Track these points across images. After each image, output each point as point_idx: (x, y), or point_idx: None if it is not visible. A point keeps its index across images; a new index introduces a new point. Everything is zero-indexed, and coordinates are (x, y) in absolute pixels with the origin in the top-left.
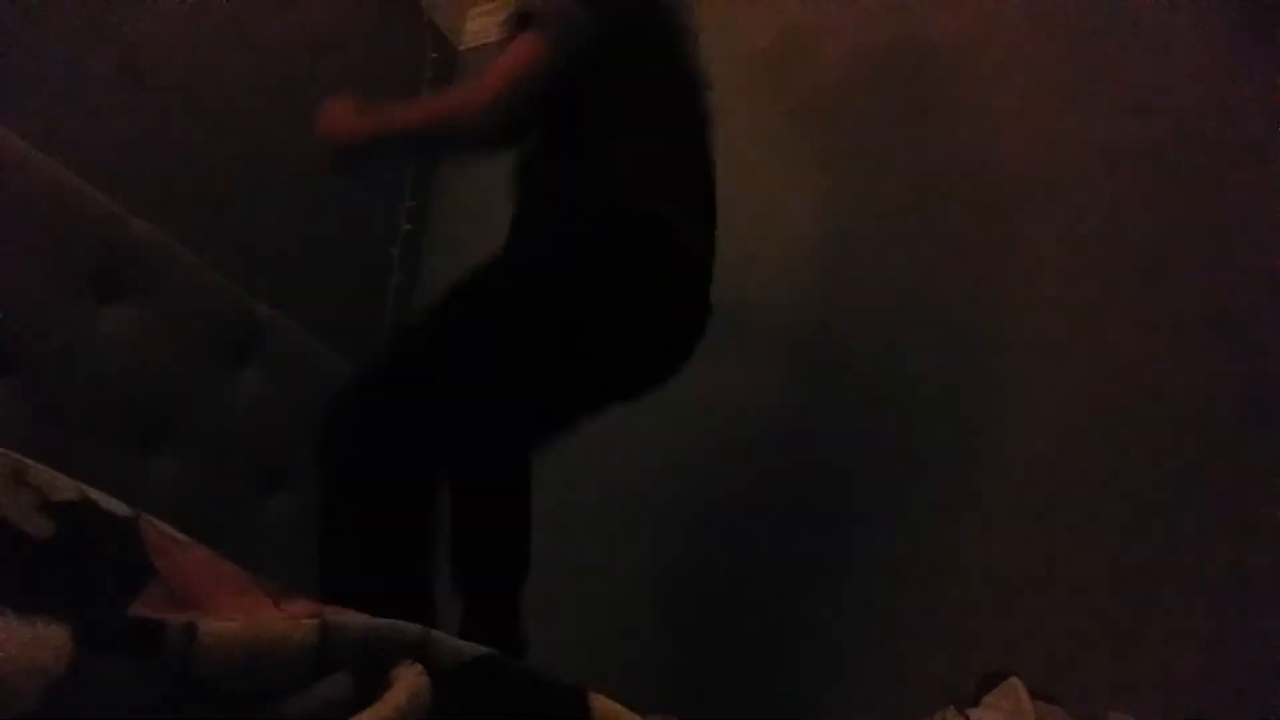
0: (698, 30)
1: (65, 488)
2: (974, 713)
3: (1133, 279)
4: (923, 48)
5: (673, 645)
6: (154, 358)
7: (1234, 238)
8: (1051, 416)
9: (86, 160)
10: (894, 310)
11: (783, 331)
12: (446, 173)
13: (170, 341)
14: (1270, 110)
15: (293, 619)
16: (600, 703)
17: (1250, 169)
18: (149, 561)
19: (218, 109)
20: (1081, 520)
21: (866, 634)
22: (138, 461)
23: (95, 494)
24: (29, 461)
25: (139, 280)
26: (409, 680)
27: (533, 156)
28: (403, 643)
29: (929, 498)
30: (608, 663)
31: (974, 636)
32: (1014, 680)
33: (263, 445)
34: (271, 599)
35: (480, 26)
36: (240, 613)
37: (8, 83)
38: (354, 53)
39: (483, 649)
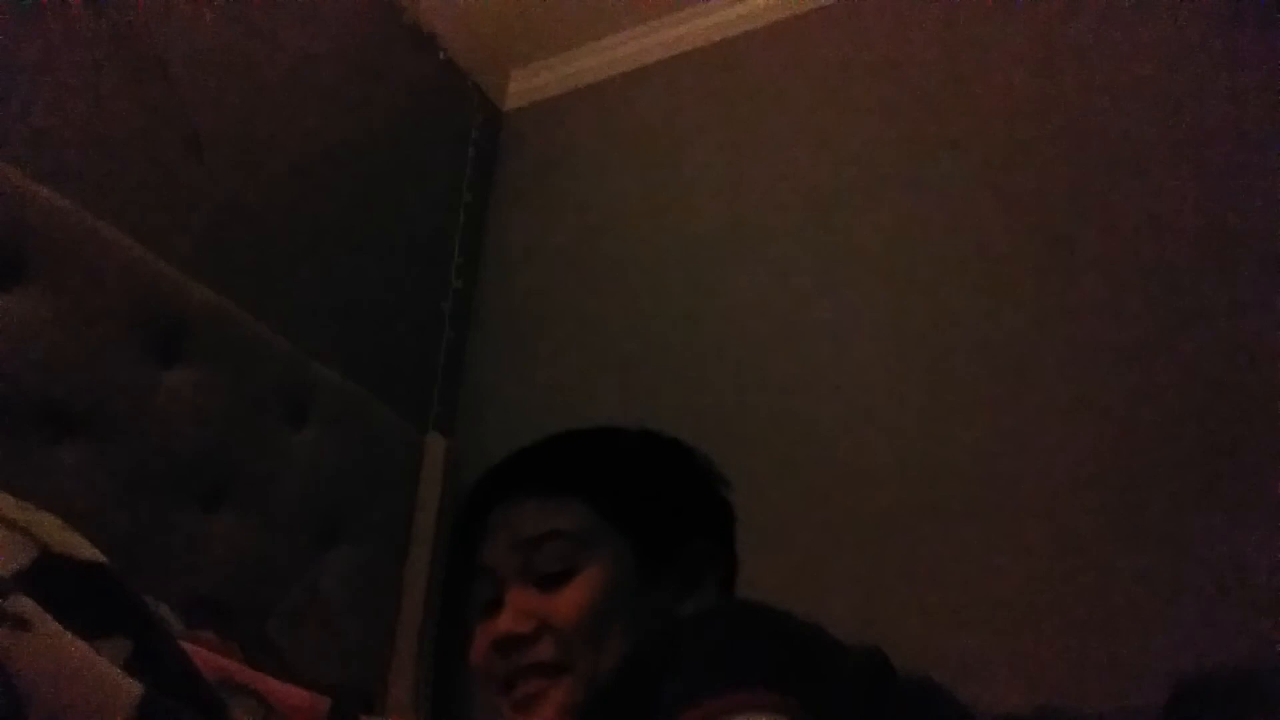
0: None
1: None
2: None
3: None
4: None
5: None
6: (214, 419)
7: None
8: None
9: (150, 229)
10: None
11: None
12: (494, 227)
13: (230, 403)
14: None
15: None
16: None
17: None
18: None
19: (273, 177)
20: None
21: None
22: (200, 521)
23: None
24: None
25: (199, 344)
26: None
27: None
28: None
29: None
30: None
31: None
32: None
33: (320, 503)
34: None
35: (525, 87)
36: None
37: (76, 158)
38: (400, 118)
39: None
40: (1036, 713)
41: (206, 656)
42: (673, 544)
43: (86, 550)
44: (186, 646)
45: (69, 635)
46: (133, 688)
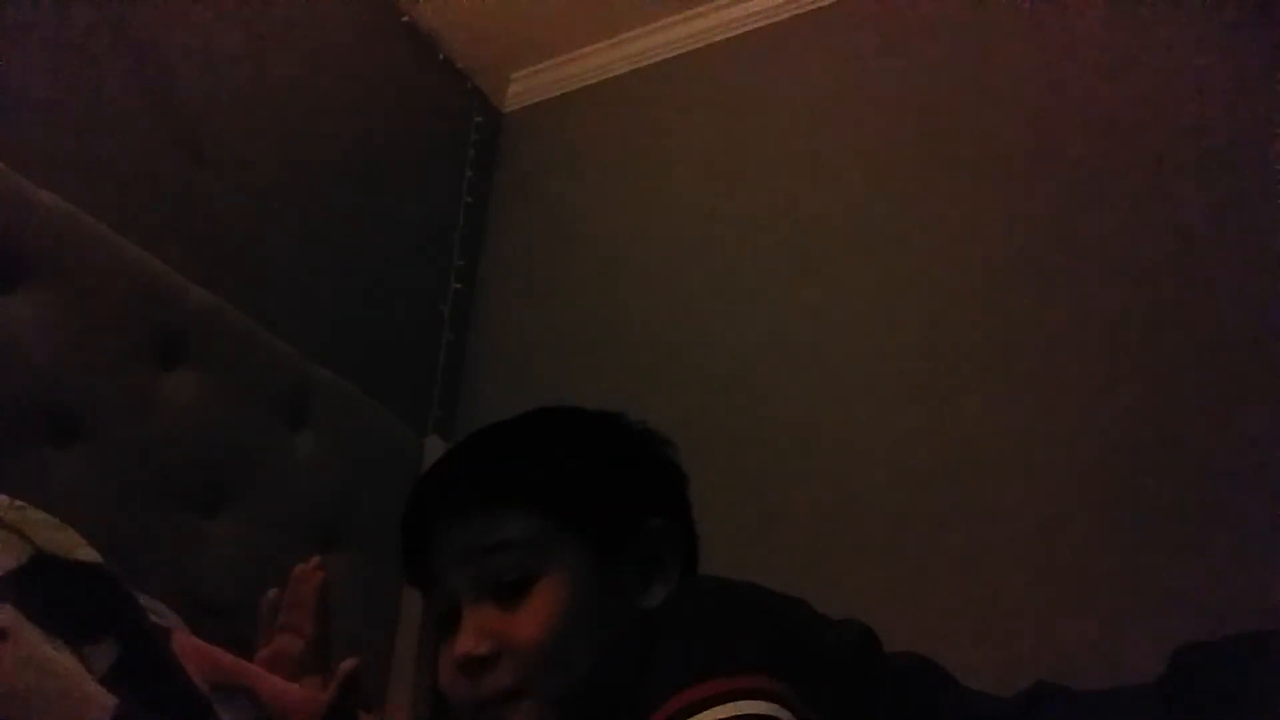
0: None
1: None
2: None
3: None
4: None
5: None
6: (214, 422)
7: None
8: None
9: (149, 232)
10: None
11: None
12: (494, 229)
13: (229, 405)
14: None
15: None
16: None
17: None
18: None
19: (273, 179)
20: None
21: None
22: (199, 524)
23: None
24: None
25: (199, 346)
26: None
27: None
28: None
29: None
30: None
31: None
32: None
33: (320, 506)
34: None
35: (524, 89)
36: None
37: (76, 161)
38: (400, 119)
39: None
40: (1032, 690)
41: (207, 651)
42: (627, 531)
43: (79, 550)
44: (187, 642)
45: (47, 646)
46: (107, 701)
